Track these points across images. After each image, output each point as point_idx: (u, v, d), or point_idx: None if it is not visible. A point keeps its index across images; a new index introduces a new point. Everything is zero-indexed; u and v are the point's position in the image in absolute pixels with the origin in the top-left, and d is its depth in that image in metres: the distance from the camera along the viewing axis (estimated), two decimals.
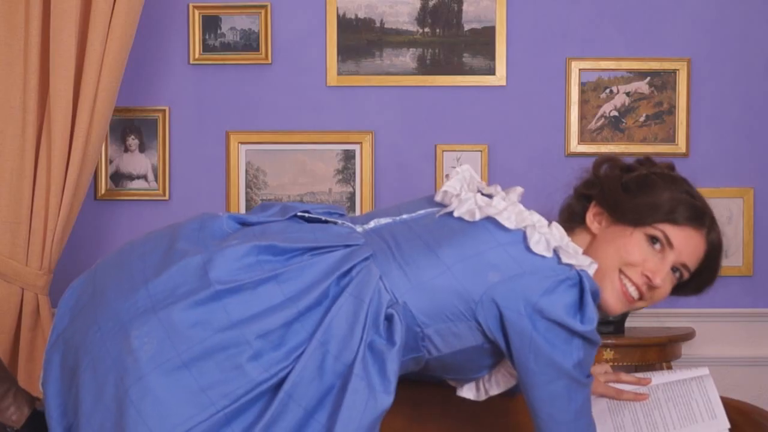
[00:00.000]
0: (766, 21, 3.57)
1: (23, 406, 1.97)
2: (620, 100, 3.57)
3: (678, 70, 3.55)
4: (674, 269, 2.04)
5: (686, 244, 2.02)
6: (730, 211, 3.57)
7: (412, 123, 3.56)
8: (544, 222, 1.95)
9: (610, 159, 2.14)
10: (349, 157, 3.55)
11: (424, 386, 2.33)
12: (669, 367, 3.34)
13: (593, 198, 2.09)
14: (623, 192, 2.05)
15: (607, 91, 3.56)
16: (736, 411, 2.29)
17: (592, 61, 3.55)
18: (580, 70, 3.55)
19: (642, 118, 3.56)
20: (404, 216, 2.05)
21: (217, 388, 1.80)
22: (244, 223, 2.04)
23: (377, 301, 1.88)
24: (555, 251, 1.93)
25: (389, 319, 1.88)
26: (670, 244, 2.01)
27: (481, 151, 3.54)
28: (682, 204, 2.02)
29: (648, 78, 3.56)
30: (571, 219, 2.13)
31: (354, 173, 3.54)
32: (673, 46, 3.57)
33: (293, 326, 1.84)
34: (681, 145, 3.56)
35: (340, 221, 2.04)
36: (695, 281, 2.10)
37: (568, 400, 1.92)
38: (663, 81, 3.56)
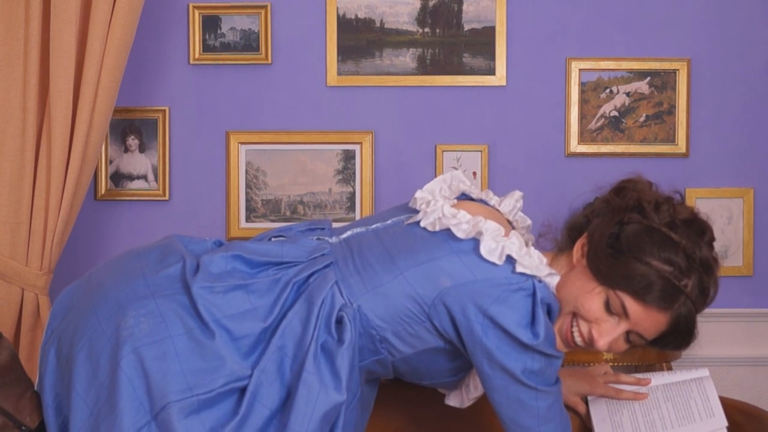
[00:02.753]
0: (766, 21, 3.57)
1: (38, 409, 1.99)
2: (620, 100, 3.56)
3: (678, 70, 3.55)
4: (629, 332, 1.97)
5: (643, 319, 1.95)
6: (730, 211, 3.57)
7: (412, 123, 3.56)
8: (501, 231, 1.94)
9: (637, 185, 2.04)
10: (349, 157, 3.55)
11: (423, 386, 2.33)
12: (669, 368, 3.34)
13: (588, 229, 2.03)
14: (608, 246, 1.96)
15: (607, 91, 3.56)
16: (736, 411, 2.29)
17: (592, 61, 3.55)
18: (580, 70, 3.55)
19: (642, 118, 3.56)
20: (377, 225, 2.10)
21: (198, 376, 1.87)
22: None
23: (330, 303, 1.93)
24: (509, 260, 1.91)
25: (339, 321, 1.94)
26: (626, 314, 1.95)
27: (481, 151, 3.54)
28: (656, 285, 1.90)
29: (648, 78, 3.56)
30: (570, 237, 2.09)
31: (354, 173, 3.54)
32: (673, 46, 3.57)
33: (262, 338, 1.93)
34: (681, 145, 3.56)
35: (315, 236, 2.10)
36: (663, 343, 2.01)
37: (528, 405, 1.91)
38: (663, 81, 3.56)
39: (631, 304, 1.94)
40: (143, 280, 1.97)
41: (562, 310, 1.99)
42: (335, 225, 2.23)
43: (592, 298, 1.96)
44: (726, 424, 2.18)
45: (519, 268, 1.90)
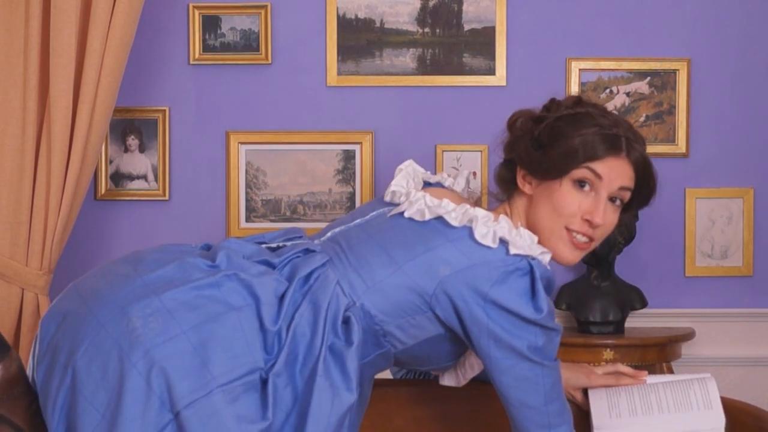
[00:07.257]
0: (766, 21, 3.57)
1: (42, 424, 1.97)
2: (620, 100, 3.57)
3: (678, 70, 3.55)
4: (612, 199, 2.07)
5: (613, 171, 2.05)
6: (730, 211, 3.57)
7: (412, 123, 3.56)
8: (491, 216, 2.01)
9: (520, 115, 2.15)
10: (349, 157, 3.55)
11: (423, 386, 2.33)
12: (669, 368, 3.34)
13: (516, 162, 2.12)
14: (536, 150, 2.07)
15: (607, 91, 3.56)
16: (736, 411, 2.29)
17: (592, 61, 3.55)
18: (580, 70, 3.55)
19: (642, 118, 3.56)
20: (357, 221, 2.13)
21: (220, 364, 1.86)
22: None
23: (335, 305, 1.96)
24: (502, 243, 1.98)
25: (346, 321, 1.96)
26: (599, 177, 2.04)
27: (481, 151, 3.54)
28: (593, 140, 2.03)
29: (648, 78, 3.56)
30: (506, 186, 2.17)
31: (354, 173, 3.54)
32: (673, 46, 3.57)
33: (269, 330, 1.93)
34: (681, 145, 3.56)
35: (297, 241, 2.10)
36: (638, 198, 2.13)
37: (536, 383, 1.98)
38: (663, 81, 3.56)
39: (594, 166, 2.03)
40: (141, 279, 1.93)
41: (553, 229, 2.06)
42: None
43: (563, 193, 2.05)
44: (724, 422, 2.18)
45: (513, 250, 1.97)
